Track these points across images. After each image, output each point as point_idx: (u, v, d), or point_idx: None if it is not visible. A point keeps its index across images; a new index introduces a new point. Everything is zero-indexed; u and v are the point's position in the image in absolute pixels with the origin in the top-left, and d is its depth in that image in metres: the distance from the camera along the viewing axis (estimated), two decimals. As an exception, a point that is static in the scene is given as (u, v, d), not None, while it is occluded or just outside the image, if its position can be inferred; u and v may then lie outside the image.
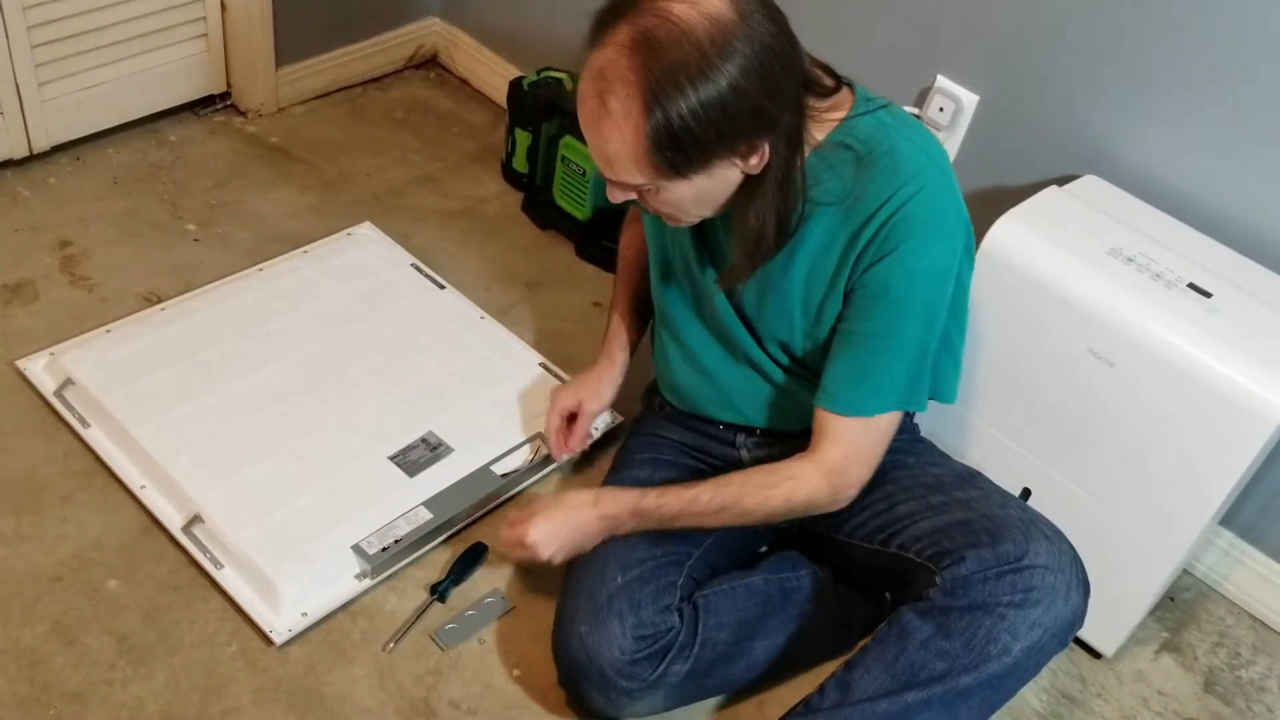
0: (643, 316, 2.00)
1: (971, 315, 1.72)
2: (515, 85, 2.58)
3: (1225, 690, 1.98)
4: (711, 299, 1.72)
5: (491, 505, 2.02)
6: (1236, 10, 1.76)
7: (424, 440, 2.04)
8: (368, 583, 1.86)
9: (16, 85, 2.36)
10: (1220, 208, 1.89)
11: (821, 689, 1.60)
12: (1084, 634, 1.83)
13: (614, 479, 1.89)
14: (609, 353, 1.99)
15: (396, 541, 1.88)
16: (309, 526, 1.87)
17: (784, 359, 1.73)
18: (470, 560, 1.92)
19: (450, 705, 1.75)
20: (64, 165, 2.54)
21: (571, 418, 2.00)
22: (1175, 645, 2.04)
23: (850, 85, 1.57)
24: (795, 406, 1.76)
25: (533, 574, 1.93)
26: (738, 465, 1.82)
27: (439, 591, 1.87)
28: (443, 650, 1.81)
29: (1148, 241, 1.82)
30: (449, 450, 2.04)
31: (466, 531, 1.98)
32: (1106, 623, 1.88)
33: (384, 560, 1.86)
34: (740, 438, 1.83)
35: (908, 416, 1.81)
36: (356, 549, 1.86)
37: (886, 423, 1.64)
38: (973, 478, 1.73)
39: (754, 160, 1.44)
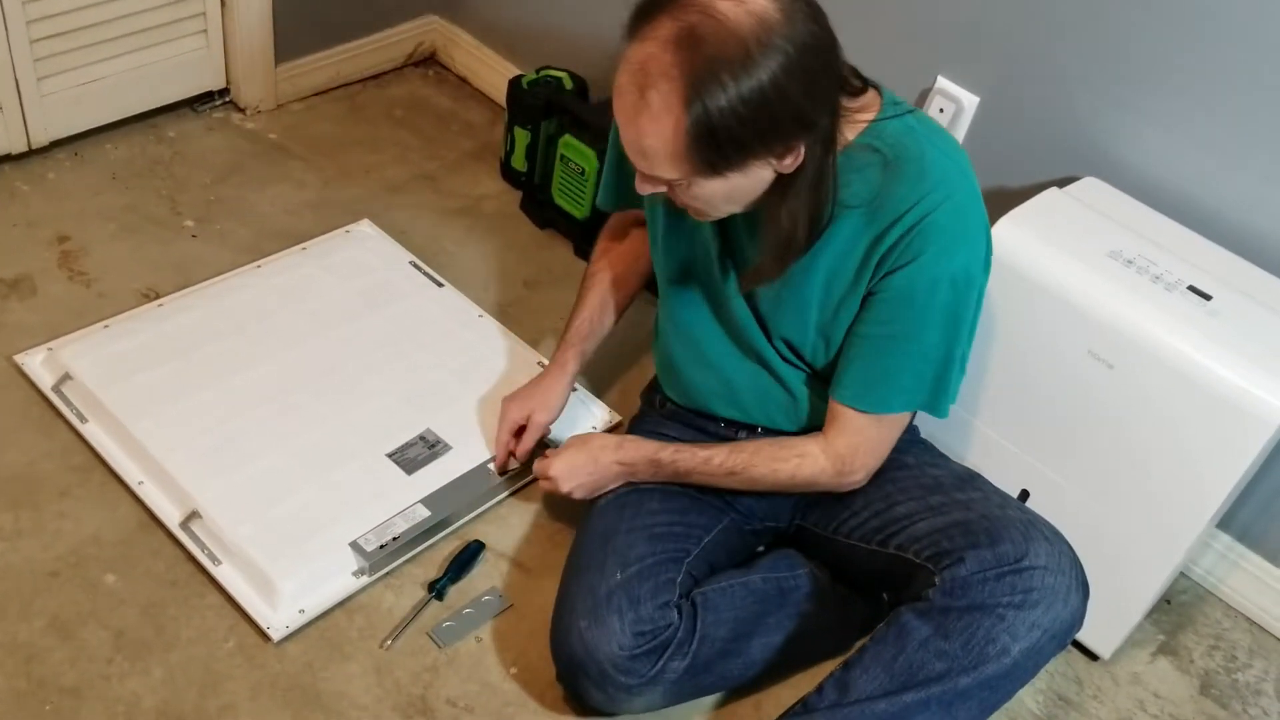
0: (601, 328, 2.01)
1: (972, 317, 1.73)
2: (514, 84, 2.58)
3: (1221, 693, 1.98)
4: (728, 297, 1.72)
5: (489, 503, 2.02)
6: (1237, 13, 1.77)
7: (422, 438, 2.04)
8: (365, 580, 1.86)
9: (15, 80, 2.36)
10: (1220, 210, 1.89)
11: (819, 689, 1.60)
12: (1081, 636, 1.83)
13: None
14: (562, 363, 1.99)
15: (394, 539, 1.88)
16: (307, 523, 1.87)
17: (791, 356, 1.73)
18: (468, 558, 1.92)
19: (447, 703, 1.75)
20: (63, 160, 2.54)
21: (520, 429, 2.00)
22: (1172, 648, 2.04)
23: (877, 87, 1.57)
24: (797, 406, 1.76)
25: (531, 572, 1.93)
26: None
27: (436, 589, 1.86)
28: (440, 648, 1.81)
29: (1148, 244, 1.82)
30: (447, 448, 2.04)
31: (464, 529, 1.98)
32: (1103, 625, 1.88)
33: (382, 557, 1.86)
34: (741, 435, 1.83)
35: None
36: (354, 546, 1.86)
37: (899, 419, 1.69)
38: (972, 479, 1.74)
39: (788, 160, 1.44)
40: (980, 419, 1.93)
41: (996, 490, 1.72)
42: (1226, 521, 2.08)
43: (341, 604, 1.83)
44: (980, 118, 2.10)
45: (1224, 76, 1.81)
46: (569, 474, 1.82)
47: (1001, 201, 1.98)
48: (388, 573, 1.89)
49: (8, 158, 2.48)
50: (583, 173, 2.46)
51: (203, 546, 1.84)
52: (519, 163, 2.64)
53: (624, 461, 1.80)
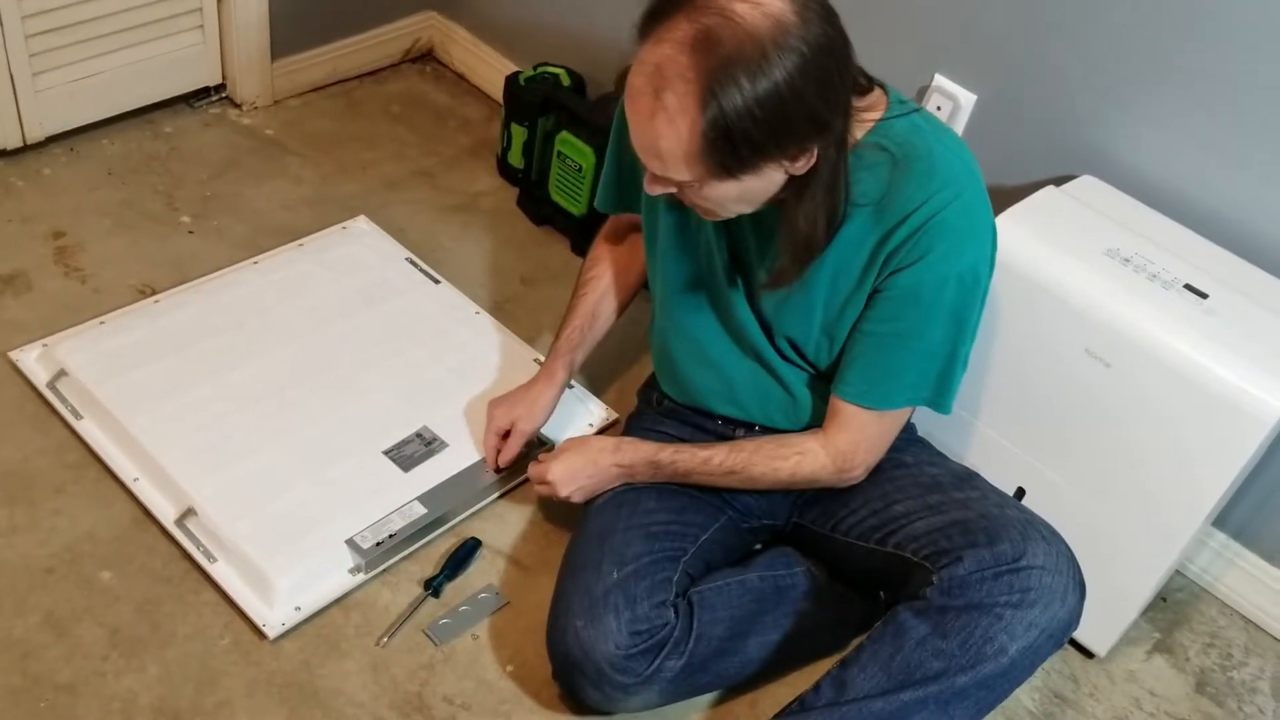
0: (592, 336, 2.00)
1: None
2: (512, 80, 2.58)
3: (1217, 691, 1.99)
4: (731, 300, 1.72)
5: (485, 500, 2.01)
6: (1233, 11, 1.76)
7: (419, 435, 2.04)
8: (361, 577, 1.86)
9: (11, 75, 2.35)
10: (1217, 209, 1.89)
11: (816, 687, 1.60)
12: (1077, 634, 1.83)
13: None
14: (550, 373, 1.98)
15: (391, 536, 1.88)
16: (303, 520, 1.87)
17: (793, 355, 1.73)
18: (464, 555, 1.92)
19: (443, 700, 1.75)
20: (58, 156, 2.53)
21: (506, 433, 2.00)
22: (1167, 646, 2.04)
23: (883, 86, 1.57)
24: (796, 405, 1.76)
25: (527, 570, 1.93)
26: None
27: (433, 586, 1.86)
28: (436, 645, 1.81)
29: (1144, 242, 1.82)
30: (443, 445, 2.03)
31: (461, 526, 1.98)
32: (1099, 623, 1.88)
33: (378, 555, 1.86)
34: (739, 434, 1.83)
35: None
36: (350, 543, 1.86)
37: (900, 415, 1.70)
38: (970, 478, 1.74)
39: (801, 162, 1.44)
40: (977, 417, 1.93)
41: (994, 489, 1.72)
42: (1222, 520, 2.08)
43: (338, 601, 1.83)
44: (978, 116, 2.10)
45: (1222, 76, 1.81)
46: (568, 478, 1.82)
47: (999, 200, 1.97)
48: (384, 570, 1.88)
49: (3, 153, 2.47)
50: (580, 169, 2.46)
51: (198, 543, 1.84)
52: (516, 159, 2.64)
53: (623, 463, 1.80)
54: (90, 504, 1.89)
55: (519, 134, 2.59)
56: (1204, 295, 1.75)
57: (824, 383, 1.72)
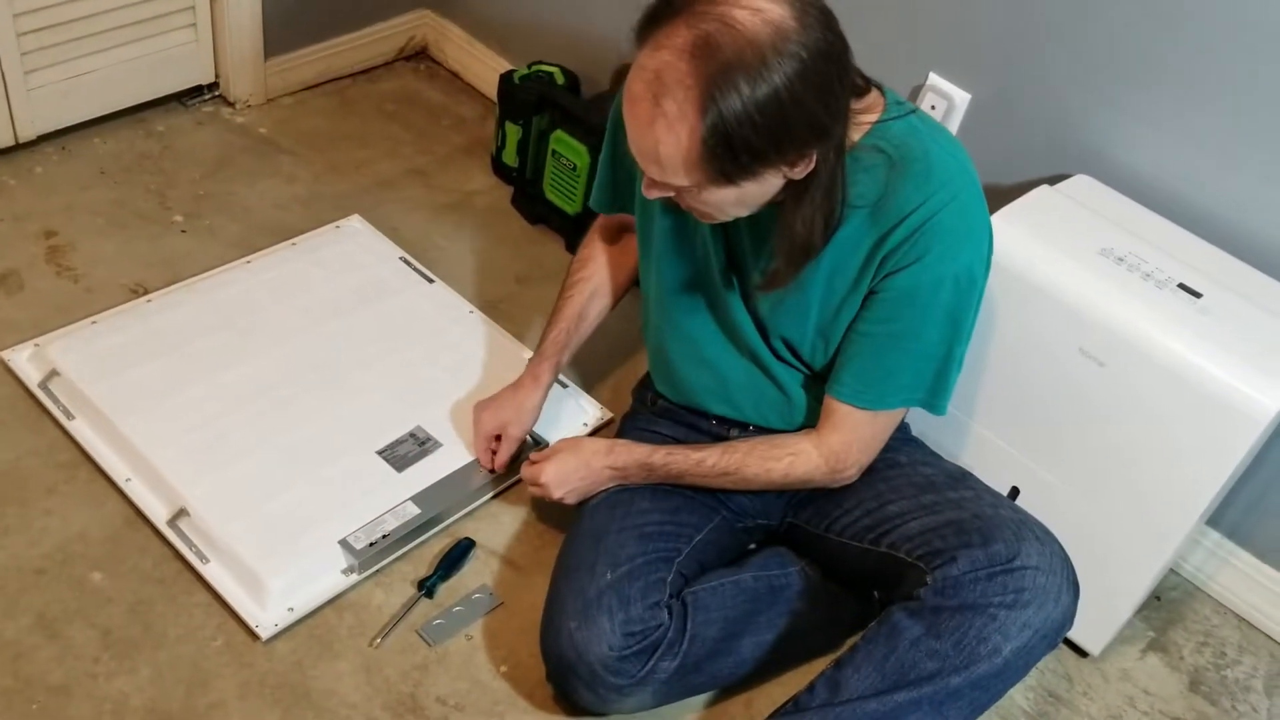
0: (578, 338, 2.00)
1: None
2: (506, 79, 2.57)
3: (1210, 690, 1.99)
4: (727, 301, 1.72)
5: (479, 500, 2.01)
6: (1229, 10, 1.76)
7: (412, 435, 2.04)
8: (355, 578, 1.85)
9: (2, 74, 2.35)
10: (1211, 208, 1.89)
11: (811, 687, 1.60)
12: (1071, 633, 1.82)
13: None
14: (536, 375, 1.98)
15: (384, 536, 1.87)
16: (296, 521, 1.86)
17: (788, 355, 1.73)
18: (458, 556, 1.91)
19: (437, 701, 1.74)
20: (50, 155, 2.53)
21: (496, 436, 2.00)
22: (1161, 644, 2.04)
23: (879, 87, 1.56)
24: (790, 405, 1.76)
25: (521, 570, 1.93)
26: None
27: (426, 587, 1.86)
28: (430, 646, 1.81)
29: (1138, 241, 1.82)
30: (437, 445, 2.03)
31: (454, 527, 1.97)
32: (1093, 622, 1.88)
33: (371, 555, 1.86)
34: (733, 433, 1.83)
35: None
36: (344, 544, 1.85)
37: (894, 416, 1.70)
38: (964, 478, 1.74)
39: (800, 167, 1.43)
40: (971, 416, 1.93)
41: (988, 489, 1.71)
42: (1216, 518, 2.08)
43: (331, 602, 1.83)
44: (972, 115, 2.10)
45: (1217, 75, 1.81)
46: (560, 481, 1.81)
47: (993, 199, 1.96)
48: (377, 570, 1.88)
49: (-5, 152, 2.47)
50: (574, 168, 2.45)
51: (190, 544, 1.84)
52: (510, 158, 2.63)
53: (615, 466, 1.80)
54: (82, 504, 1.89)
55: (513, 132, 2.59)
56: (1198, 294, 1.75)
57: (819, 383, 1.72)
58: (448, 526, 1.97)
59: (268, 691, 1.71)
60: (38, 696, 1.65)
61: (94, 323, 2.14)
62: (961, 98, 2.09)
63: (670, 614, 1.66)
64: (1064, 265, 1.77)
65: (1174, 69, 1.85)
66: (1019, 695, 1.90)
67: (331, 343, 2.17)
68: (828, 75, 1.37)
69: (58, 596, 1.77)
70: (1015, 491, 1.91)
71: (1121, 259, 1.79)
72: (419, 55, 3.07)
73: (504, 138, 2.62)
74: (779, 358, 1.74)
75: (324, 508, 1.89)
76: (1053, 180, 1.96)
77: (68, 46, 2.43)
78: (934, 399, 1.66)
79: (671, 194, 1.49)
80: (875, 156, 1.52)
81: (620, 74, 2.41)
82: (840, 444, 1.69)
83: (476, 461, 2.01)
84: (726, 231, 1.67)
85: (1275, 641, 2.08)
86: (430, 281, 2.37)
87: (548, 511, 2.00)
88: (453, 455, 2.02)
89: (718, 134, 1.35)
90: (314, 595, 1.82)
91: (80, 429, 1.97)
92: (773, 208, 1.52)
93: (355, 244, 2.42)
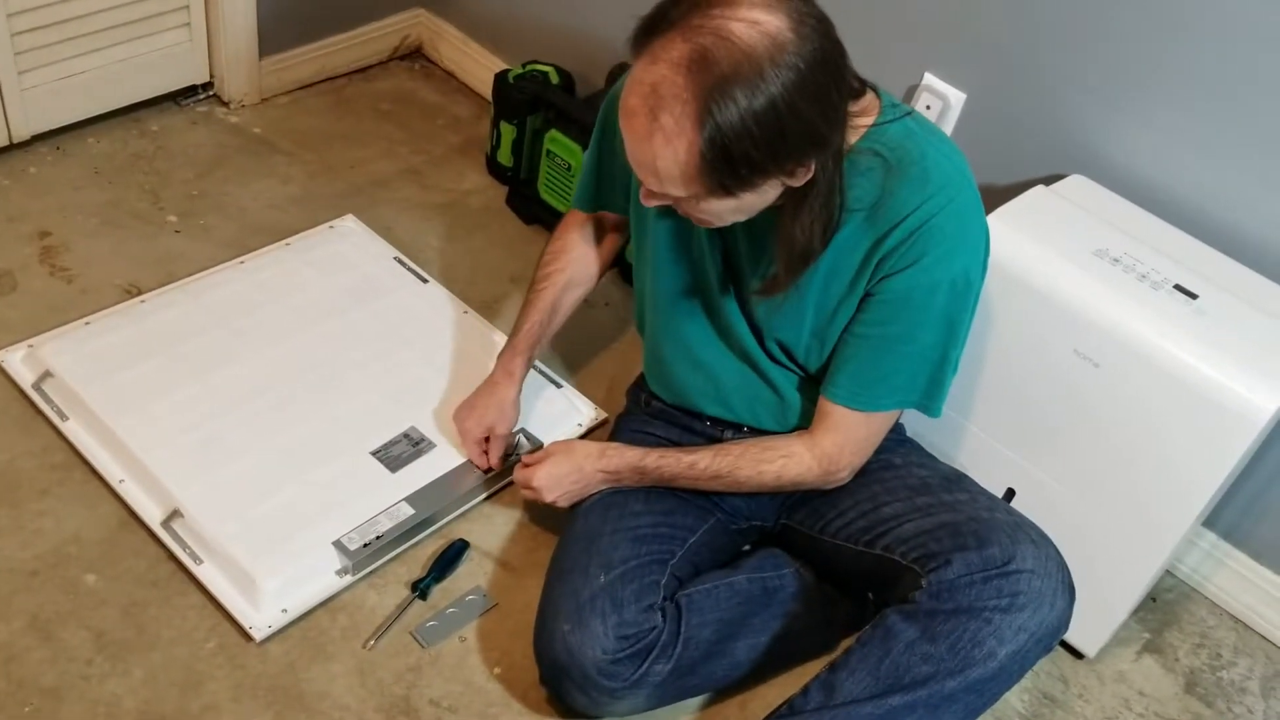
0: (549, 332, 1.99)
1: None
2: (501, 78, 2.57)
3: (1206, 691, 1.98)
4: (723, 305, 1.71)
5: (473, 501, 2.01)
6: (1225, 11, 1.76)
7: (406, 435, 2.03)
8: (349, 579, 1.85)
9: (-4, 73, 2.35)
10: (1207, 209, 1.88)
11: (805, 690, 1.59)
12: (1066, 635, 1.82)
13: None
14: (510, 370, 1.97)
15: (378, 537, 1.87)
16: (290, 522, 1.86)
17: (782, 358, 1.73)
18: (452, 557, 1.91)
19: (431, 703, 1.74)
20: (44, 155, 2.52)
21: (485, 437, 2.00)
22: (1157, 646, 2.04)
23: (874, 88, 1.56)
24: (784, 407, 1.76)
25: (515, 572, 1.92)
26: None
27: (420, 588, 1.85)
28: (423, 648, 1.80)
29: (1134, 242, 1.82)
30: (431, 446, 2.03)
31: (448, 528, 1.97)
32: (1089, 623, 1.88)
33: (365, 556, 1.85)
34: (728, 434, 1.83)
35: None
36: (338, 545, 1.85)
37: (888, 417, 1.69)
38: (959, 480, 1.73)
39: (798, 176, 1.43)
40: (966, 417, 1.92)
41: (984, 491, 1.71)
42: (1212, 520, 2.08)
43: (324, 604, 1.82)
44: (967, 115, 2.10)
45: (1212, 75, 1.81)
46: (553, 484, 1.81)
47: (988, 199, 1.95)
48: (371, 572, 1.88)
49: (-12, 151, 2.47)
50: (569, 168, 2.45)
51: (184, 545, 1.83)
52: (505, 158, 2.63)
53: (608, 469, 1.79)
54: (76, 506, 1.88)
55: (508, 132, 2.58)
56: (1194, 295, 1.75)
57: (813, 385, 1.72)
58: (441, 528, 1.96)
59: (261, 694, 1.70)
60: (31, 699, 1.65)
61: (88, 323, 2.14)
62: (957, 98, 2.09)
63: (664, 616, 1.66)
64: (1059, 266, 1.77)
65: (1170, 69, 1.85)
66: (1014, 697, 1.90)
67: (326, 343, 2.17)
68: (825, 85, 1.36)
69: (51, 598, 1.76)
70: (1011, 493, 1.91)
71: (1117, 260, 1.78)
72: (414, 55, 3.07)
73: (499, 137, 2.61)
74: (774, 360, 1.73)
75: (318, 508, 1.89)
76: (1048, 180, 1.96)
77: (61, 46, 2.42)
78: (929, 401, 1.65)
79: (668, 203, 1.49)
80: (871, 160, 1.52)
81: (615, 73, 2.41)
82: (833, 446, 1.69)
83: (470, 462, 2.01)
84: (724, 236, 1.66)
85: (1271, 643, 2.08)
86: (425, 281, 2.36)
87: (541, 513, 2.00)
88: (447, 456, 2.02)
89: (715, 147, 1.34)
90: (308, 596, 1.81)
91: (74, 430, 1.96)
92: (770, 213, 1.51)
93: (349, 244, 2.42)
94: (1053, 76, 1.97)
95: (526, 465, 1.86)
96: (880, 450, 1.73)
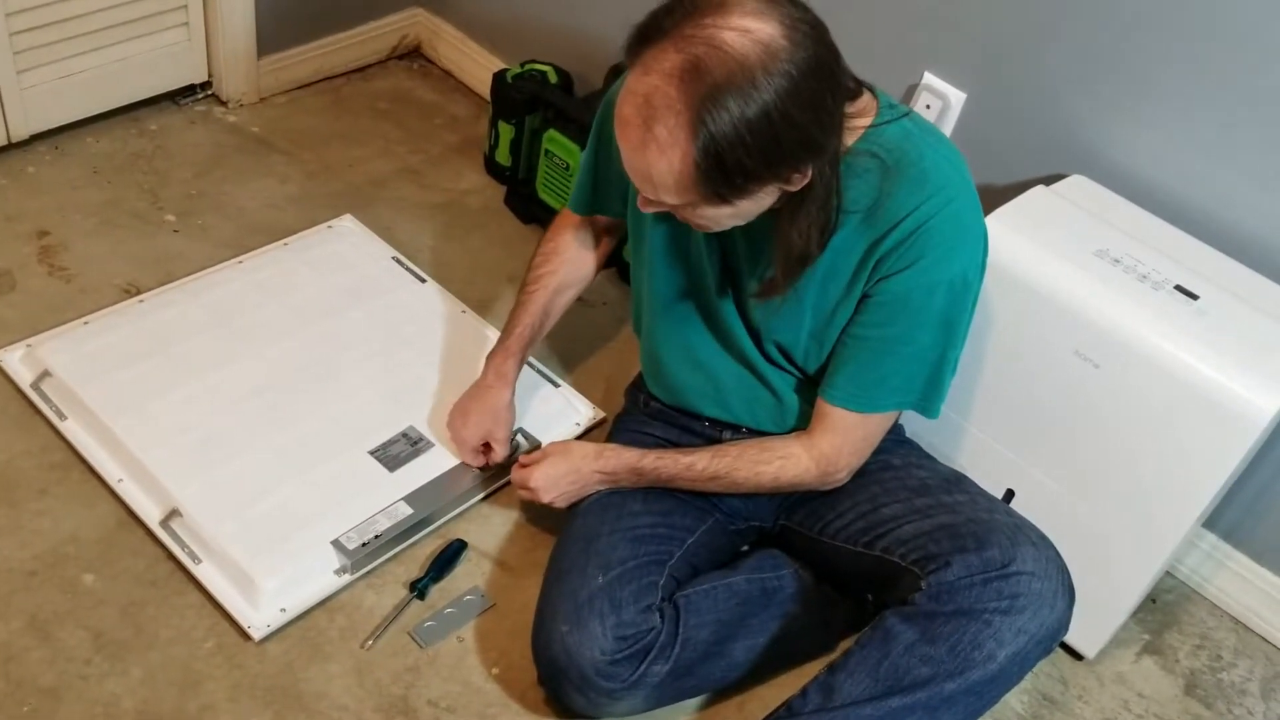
0: (540, 334, 1.99)
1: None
2: (499, 78, 2.56)
3: (1206, 693, 1.98)
4: (720, 307, 1.71)
5: (471, 500, 2.00)
6: (1224, 12, 1.76)
7: (404, 435, 2.03)
8: (347, 578, 1.85)
9: (-6, 73, 2.34)
10: (1208, 209, 1.88)
11: (804, 692, 1.59)
12: (1066, 636, 1.82)
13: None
14: (502, 373, 1.97)
15: (376, 537, 1.87)
16: (288, 521, 1.86)
17: (780, 360, 1.72)
18: (450, 557, 1.91)
19: (429, 704, 1.74)
20: (43, 154, 2.52)
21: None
22: (1157, 647, 2.04)
23: (871, 89, 1.55)
24: (783, 408, 1.75)
25: (513, 572, 1.92)
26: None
27: (418, 588, 1.85)
28: (421, 648, 1.80)
29: (1135, 243, 1.82)
30: (429, 445, 2.02)
31: (446, 528, 1.97)
32: (1089, 624, 1.87)
33: (364, 556, 1.85)
34: (726, 435, 1.82)
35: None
36: (336, 544, 1.85)
37: (886, 418, 1.69)
38: (959, 481, 1.73)
39: (795, 182, 1.43)
40: (966, 418, 1.92)
41: (983, 493, 1.71)
42: (1212, 521, 2.08)
43: (322, 603, 1.82)
44: (967, 114, 2.09)
45: (1213, 75, 1.81)
46: (550, 485, 1.81)
47: (988, 199, 1.96)
48: (369, 572, 1.87)
49: (-13, 151, 2.46)
50: (567, 168, 2.44)
51: (183, 545, 1.83)
52: (503, 157, 2.62)
53: (605, 471, 1.79)
54: (74, 506, 1.88)
55: (506, 132, 2.58)
56: (1194, 296, 1.74)
57: (811, 387, 1.71)
58: (439, 527, 1.96)
59: (259, 694, 1.70)
60: (29, 699, 1.64)
61: (86, 323, 2.13)
62: (957, 97, 2.08)
63: (662, 617, 1.66)
64: (1059, 266, 1.77)
65: (1171, 69, 1.84)
66: (1014, 699, 1.89)
67: (324, 342, 2.17)
68: (819, 91, 1.36)
69: (49, 598, 1.76)
70: (1010, 494, 1.91)
71: (1118, 260, 1.78)
72: (412, 54, 3.06)
73: (497, 137, 2.61)
74: (772, 362, 1.73)
75: (316, 508, 1.89)
76: (1048, 180, 1.96)
77: (60, 46, 2.42)
78: (927, 403, 1.65)
79: (665, 209, 1.48)
80: (869, 161, 1.51)
81: (613, 73, 2.41)
82: (831, 447, 1.68)
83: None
84: (721, 239, 1.66)
85: (1271, 644, 2.08)
86: (422, 281, 2.36)
87: (539, 513, 2.00)
88: (445, 455, 2.01)
89: (710, 157, 1.34)
90: (306, 596, 1.81)
91: (72, 430, 1.96)
92: (768, 216, 1.51)
93: (347, 243, 2.42)
94: (1053, 76, 1.97)
95: (524, 465, 1.85)
96: (879, 451, 1.73)
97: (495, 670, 1.79)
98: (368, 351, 2.17)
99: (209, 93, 2.76)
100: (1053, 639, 1.54)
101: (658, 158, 1.37)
